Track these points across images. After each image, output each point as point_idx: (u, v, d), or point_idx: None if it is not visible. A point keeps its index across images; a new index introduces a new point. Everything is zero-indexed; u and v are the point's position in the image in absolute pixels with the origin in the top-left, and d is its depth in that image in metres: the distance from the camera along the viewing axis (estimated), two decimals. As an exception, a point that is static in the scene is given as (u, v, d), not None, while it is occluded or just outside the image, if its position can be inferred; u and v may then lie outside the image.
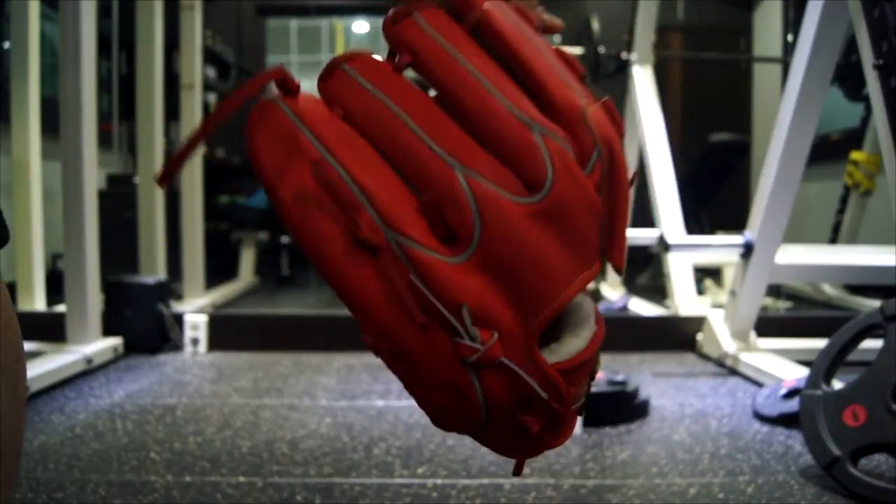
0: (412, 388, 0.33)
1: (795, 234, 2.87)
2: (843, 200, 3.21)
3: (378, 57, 0.33)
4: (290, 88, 0.32)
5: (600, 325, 0.34)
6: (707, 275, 3.19)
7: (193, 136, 0.33)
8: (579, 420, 1.38)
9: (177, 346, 2.20)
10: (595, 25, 3.21)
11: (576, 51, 3.32)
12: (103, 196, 2.13)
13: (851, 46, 1.70)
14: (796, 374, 1.62)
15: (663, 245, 2.09)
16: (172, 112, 3.08)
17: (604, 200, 0.31)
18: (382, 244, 0.30)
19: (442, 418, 0.33)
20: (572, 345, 0.33)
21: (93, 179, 1.96)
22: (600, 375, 1.56)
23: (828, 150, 3.51)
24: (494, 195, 0.30)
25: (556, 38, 5.27)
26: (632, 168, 3.20)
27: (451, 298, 0.30)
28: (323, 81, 0.33)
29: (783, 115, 1.79)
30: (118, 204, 2.84)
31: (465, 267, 0.30)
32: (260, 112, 0.33)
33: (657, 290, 2.87)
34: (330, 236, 0.30)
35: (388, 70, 0.32)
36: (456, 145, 0.30)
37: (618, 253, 0.32)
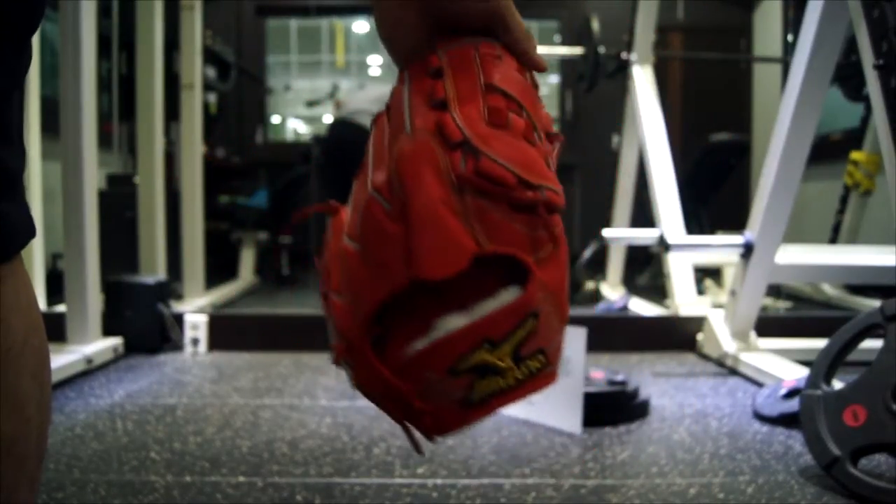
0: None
1: (795, 235, 2.87)
2: (843, 200, 3.21)
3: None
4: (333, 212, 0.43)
5: (478, 324, 0.37)
6: (707, 275, 3.19)
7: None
8: (580, 420, 1.38)
9: (177, 346, 2.20)
10: (595, 25, 3.21)
11: (576, 51, 3.32)
12: (103, 196, 2.14)
13: (851, 46, 1.70)
14: (796, 374, 1.62)
15: (663, 245, 2.09)
16: (172, 112, 3.08)
17: (401, 227, 0.37)
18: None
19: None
20: (416, 345, 0.38)
21: (93, 179, 1.96)
22: (601, 375, 1.57)
23: (828, 150, 3.51)
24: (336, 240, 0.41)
25: (557, 38, 5.27)
26: (630, 169, 3.19)
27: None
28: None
29: (783, 115, 1.79)
30: (118, 204, 2.84)
31: (338, 292, 0.40)
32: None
33: (657, 290, 2.87)
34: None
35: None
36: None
37: (424, 267, 0.36)
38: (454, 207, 0.36)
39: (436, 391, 0.38)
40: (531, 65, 0.42)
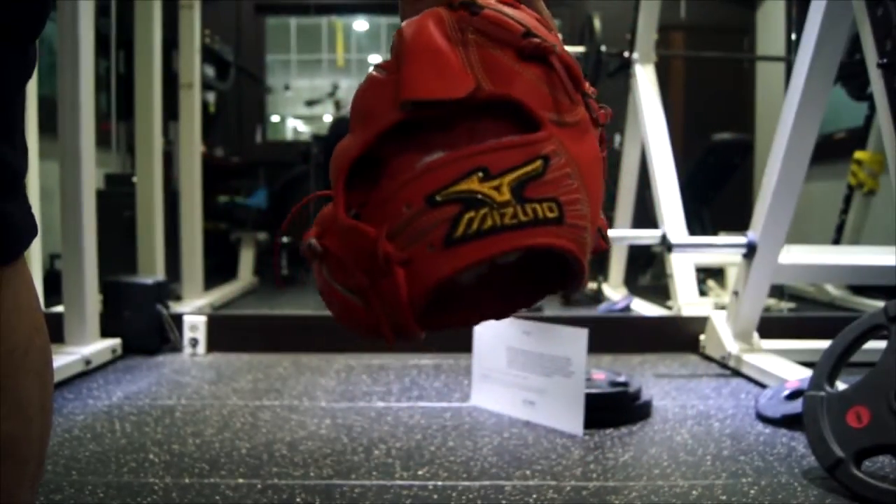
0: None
1: (798, 235, 2.86)
2: (847, 200, 3.20)
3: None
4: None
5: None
6: (710, 275, 3.18)
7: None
8: (581, 421, 1.38)
9: (175, 347, 2.19)
10: (597, 24, 3.20)
11: (577, 49, 3.31)
12: (102, 196, 2.13)
13: (855, 45, 1.69)
14: (799, 376, 1.62)
15: (666, 245, 2.08)
16: (171, 111, 3.07)
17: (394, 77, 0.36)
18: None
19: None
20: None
21: (91, 179, 1.95)
22: (602, 376, 1.56)
23: (831, 150, 3.50)
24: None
25: (559, 36, 5.25)
26: (632, 169, 3.18)
27: None
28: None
29: (786, 114, 1.79)
30: (117, 204, 2.84)
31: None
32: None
33: (659, 290, 2.86)
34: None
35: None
36: None
37: (415, 88, 0.34)
38: (455, 43, 0.34)
39: (412, 230, 0.32)
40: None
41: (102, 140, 3.59)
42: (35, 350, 0.43)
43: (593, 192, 0.36)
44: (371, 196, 0.34)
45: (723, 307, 2.26)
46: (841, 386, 1.18)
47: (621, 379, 1.54)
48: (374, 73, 0.36)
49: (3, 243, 0.40)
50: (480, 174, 0.32)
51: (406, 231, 0.33)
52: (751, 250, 1.90)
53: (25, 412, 0.42)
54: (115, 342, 2.06)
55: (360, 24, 5.39)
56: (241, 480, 1.14)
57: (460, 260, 0.32)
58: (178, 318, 2.22)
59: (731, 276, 2.60)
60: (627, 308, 2.76)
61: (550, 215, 0.33)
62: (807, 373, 1.60)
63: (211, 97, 4.43)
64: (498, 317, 0.38)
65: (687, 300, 2.53)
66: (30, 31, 0.40)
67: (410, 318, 0.33)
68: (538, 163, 0.33)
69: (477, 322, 0.38)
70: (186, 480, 1.14)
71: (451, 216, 0.32)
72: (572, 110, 0.36)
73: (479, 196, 0.32)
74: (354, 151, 0.34)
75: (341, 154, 0.35)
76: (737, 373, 1.93)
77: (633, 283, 3.52)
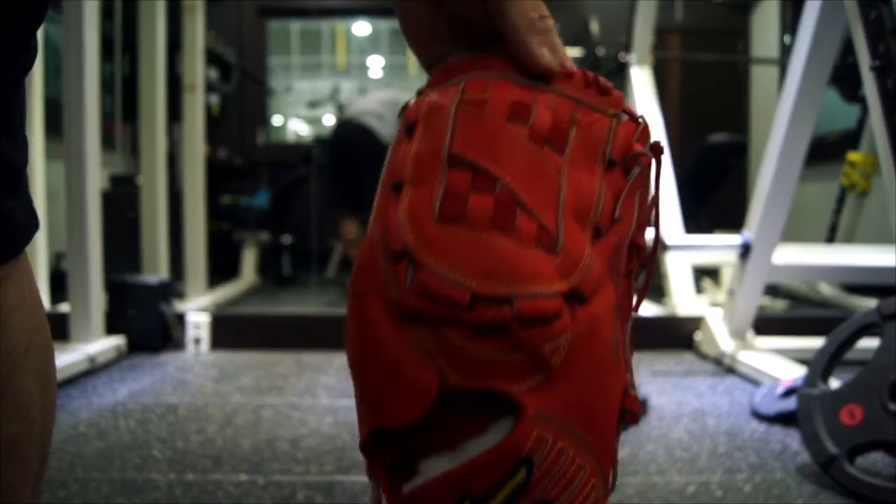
0: None
1: (792, 235, 2.87)
2: (840, 201, 3.22)
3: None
4: None
5: (478, 458, 0.29)
6: (705, 274, 3.20)
7: None
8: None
9: (179, 346, 2.21)
10: (593, 26, 3.22)
11: (574, 52, 3.33)
12: (106, 196, 2.15)
13: (848, 48, 1.70)
14: (794, 373, 1.63)
15: (662, 245, 2.10)
16: (175, 113, 3.08)
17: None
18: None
19: None
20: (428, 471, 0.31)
21: (96, 180, 1.97)
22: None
23: (825, 151, 3.52)
24: None
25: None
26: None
27: None
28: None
29: (781, 116, 1.80)
30: (121, 204, 2.85)
31: None
32: None
33: (655, 289, 2.87)
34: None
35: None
36: None
37: (383, 414, 0.31)
38: (406, 338, 0.29)
39: None
40: (528, 66, 0.32)
41: (107, 141, 3.60)
42: (36, 348, 0.41)
43: (594, 434, 0.30)
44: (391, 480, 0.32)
45: (718, 306, 2.28)
46: (834, 384, 1.19)
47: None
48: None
49: (3, 240, 0.39)
50: (468, 502, 0.29)
51: None
52: (746, 250, 1.92)
53: (27, 412, 0.41)
54: (119, 340, 2.08)
55: (361, 27, 5.41)
56: (243, 477, 1.16)
57: None
58: (181, 317, 2.24)
59: (727, 275, 2.61)
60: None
61: None
62: (801, 370, 1.61)
63: (214, 99, 4.44)
64: None
65: (683, 299, 2.54)
66: (30, 23, 0.38)
67: None
68: (521, 473, 0.28)
69: None
70: (190, 477, 1.15)
71: None
72: (548, 357, 0.29)
73: None
74: (363, 441, 0.32)
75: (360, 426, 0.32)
76: (732, 371, 1.95)
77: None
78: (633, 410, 0.33)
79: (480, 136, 0.30)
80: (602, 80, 0.34)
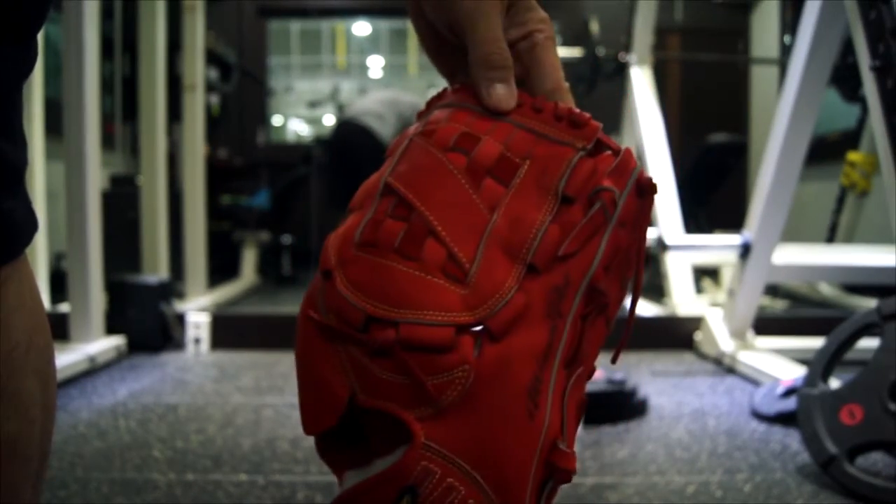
0: None
1: (792, 235, 2.88)
2: (840, 201, 3.22)
3: None
4: None
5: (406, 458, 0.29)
6: (705, 274, 3.20)
7: None
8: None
9: (179, 346, 2.21)
10: (594, 27, 3.22)
11: (574, 52, 3.33)
12: (106, 196, 2.15)
13: (848, 48, 1.70)
14: (794, 373, 1.63)
15: (662, 245, 2.10)
16: (175, 113, 3.09)
17: None
18: None
19: None
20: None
21: (96, 180, 1.97)
22: (599, 374, 1.58)
23: (825, 151, 3.52)
24: None
25: (556, 38, 5.27)
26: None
27: None
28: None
29: (781, 116, 1.80)
30: (121, 204, 2.85)
31: None
32: None
33: (656, 289, 2.87)
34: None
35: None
36: None
37: (304, 420, 0.32)
38: (328, 353, 0.30)
39: None
40: (481, 101, 0.32)
41: (107, 141, 3.61)
42: (36, 349, 0.41)
43: (506, 468, 0.29)
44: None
45: (718, 306, 2.28)
46: (834, 384, 1.19)
47: (618, 376, 1.55)
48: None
49: (3, 241, 0.39)
50: None
51: None
52: (746, 250, 1.92)
53: (27, 412, 0.41)
54: (119, 340, 2.08)
55: (361, 26, 5.41)
56: (243, 477, 1.16)
57: None
58: (181, 317, 2.24)
59: (727, 275, 2.61)
60: (624, 308, 2.78)
61: None
62: (801, 370, 1.61)
63: (214, 99, 4.44)
64: None
65: (683, 299, 2.55)
66: (30, 26, 0.38)
67: None
68: (405, 501, 0.28)
69: None
70: (190, 477, 1.15)
71: None
72: (445, 388, 0.28)
73: None
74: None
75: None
76: (732, 371, 1.95)
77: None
78: (562, 468, 0.31)
79: (414, 167, 0.31)
80: (578, 113, 0.33)
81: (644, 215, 0.33)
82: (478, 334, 0.29)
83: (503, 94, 0.32)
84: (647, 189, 0.33)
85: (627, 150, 0.33)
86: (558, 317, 0.30)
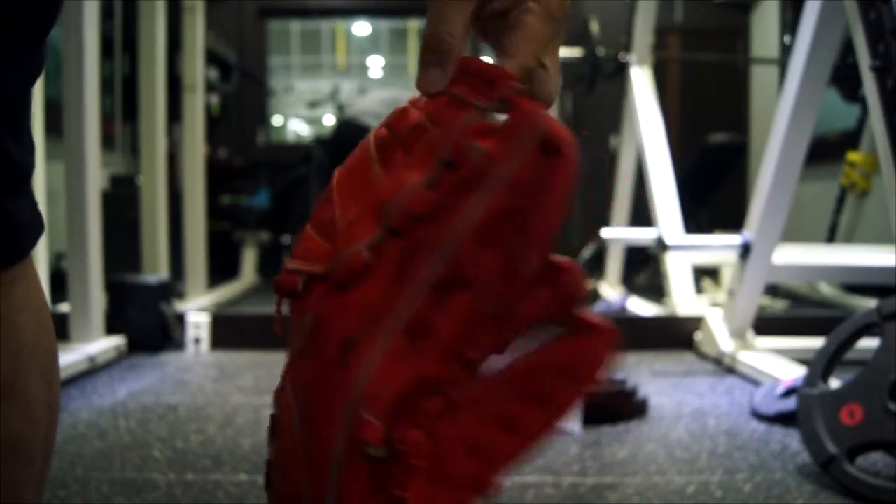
0: None
1: (792, 235, 2.88)
2: (840, 201, 3.22)
3: None
4: None
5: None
6: (705, 274, 3.20)
7: None
8: (578, 418, 1.39)
9: (179, 345, 2.21)
10: (594, 27, 3.22)
11: (574, 52, 3.33)
12: (106, 196, 2.15)
13: (848, 48, 1.70)
14: (794, 373, 1.63)
15: (662, 245, 2.10)
16: (175, 113, 3.09)
17: None
18: None
19: None
20: None
21: (96, 180, 1.97)
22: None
23: (825, 151, 3.52)
24: None
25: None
26: (629, 170, 3.18)
27: None
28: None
29: (780, 116, 1.81)
30: (121, 204, 2.85)
31: None
32: None
33: (656, 289, 2.88)
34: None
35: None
36: None
37: None
38: None
39: None
40: (416, 82, 0.33)
41: (107, 141, 3.60)
42: (41, 350, 0.42)
43: (316, 404, 0.32)
44: None
45: (718, 306, 2.28)
46: (834, 383, 1.19)
47: (618, 377, 1.55)
48: None
49: (10, 243, 0.39)
50: None
51: None
52: (746, 250, 1.92)
53: (32, 412, 0.42)
54: (119, 340, 2.08)
55: (361, 27, 5.41)
56: (243, 477, 1.16)
57: None
58: (181, 317, 2.24)
59: (727, 275, 2.62)
60: (624, 307, 2.78)
61: None
62: (801, 370, 1.61)
63: (214, 99, 4.44)
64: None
65: (683, 299, 2.55)
66: (39, 31, 0.39)
67: None
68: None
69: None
70: (190, 477, 1.16)
71: None
72: (302, 330, 0.33)
73: None
74: None
75: None
76: (732, 371, 1.95)
77: (629, 283, 3.54)
78: (361, 437, 0.30)
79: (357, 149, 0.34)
80: (495, 69, 0.31)
81: (551, 178, 0.30)
82: (330, 285, 0.31)
83: (433, 77, 0.32)
84: (553, 148, 0.29)
85: (529, 105, 0.30)
86: (407, 281, 0.30)
